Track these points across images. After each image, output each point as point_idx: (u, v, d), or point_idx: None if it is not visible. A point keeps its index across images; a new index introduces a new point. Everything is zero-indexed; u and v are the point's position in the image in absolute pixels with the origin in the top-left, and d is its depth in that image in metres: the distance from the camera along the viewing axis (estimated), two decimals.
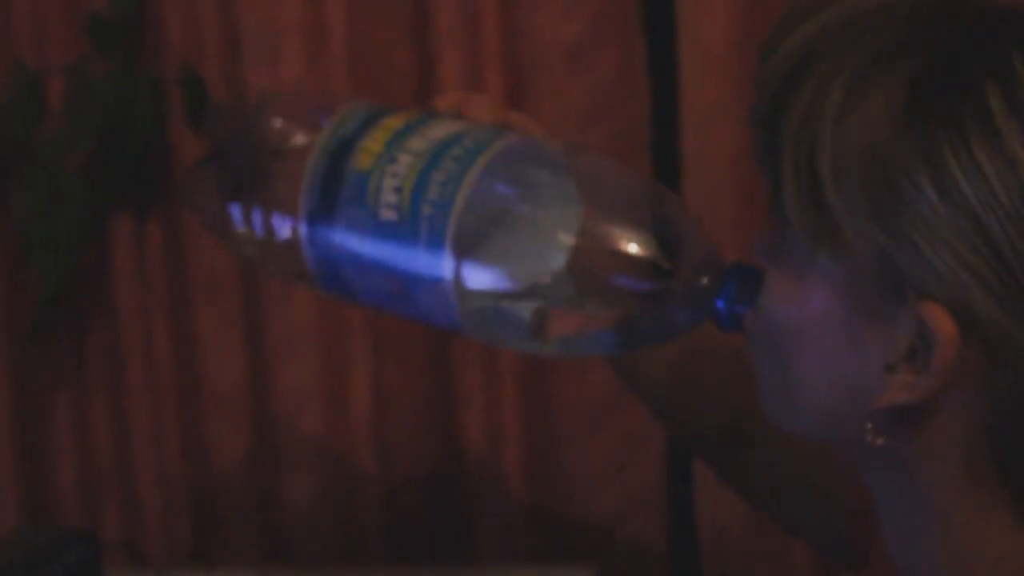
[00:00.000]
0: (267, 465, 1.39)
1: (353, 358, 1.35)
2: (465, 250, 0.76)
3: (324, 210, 0.81)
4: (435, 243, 0.77)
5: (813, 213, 0.61)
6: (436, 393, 1.37)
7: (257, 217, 0.84)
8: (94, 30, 1.30)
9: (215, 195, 0.86)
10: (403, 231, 0.78)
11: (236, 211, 0.85)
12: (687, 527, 1.35)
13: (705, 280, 0.73)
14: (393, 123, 0.81)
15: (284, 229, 0.83)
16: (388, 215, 0.78)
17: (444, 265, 0.76)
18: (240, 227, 0.85)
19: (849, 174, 0.59)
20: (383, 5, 1.30)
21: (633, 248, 0.73)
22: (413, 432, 1.38)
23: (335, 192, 0.80)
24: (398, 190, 0.78)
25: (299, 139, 0.82)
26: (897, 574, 0.67)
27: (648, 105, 1.30)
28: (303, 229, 0.81)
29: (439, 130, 0.79)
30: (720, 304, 0.73)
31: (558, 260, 0.73)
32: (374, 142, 0.79)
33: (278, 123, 0.84)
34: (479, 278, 0.76)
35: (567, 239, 0.73)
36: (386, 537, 1.38)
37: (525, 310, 0.74)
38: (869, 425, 0.61)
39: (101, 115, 1.30)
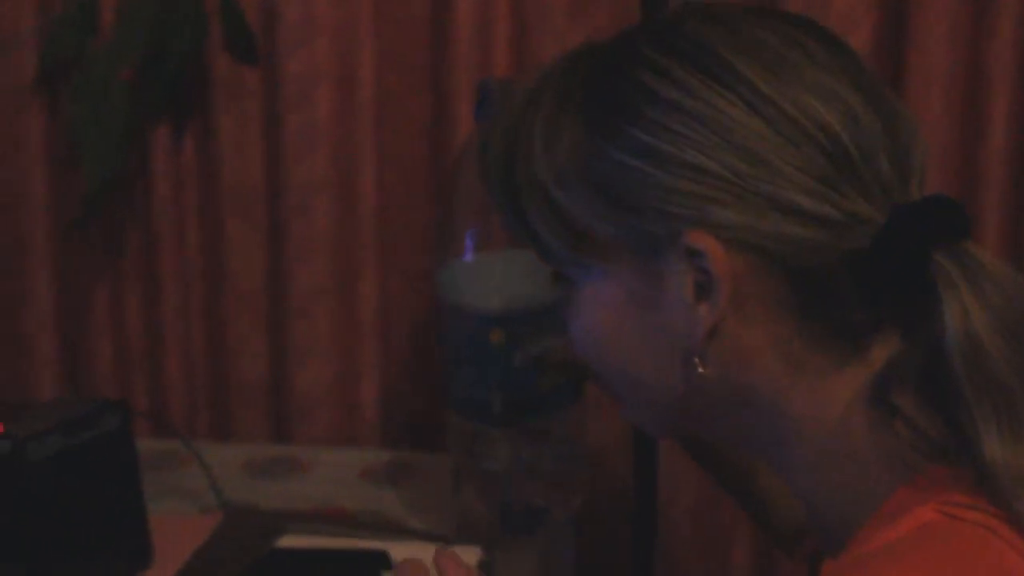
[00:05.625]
0: (279, 357, 1.42)
1: (363, 267, 1.39)
2: None
3: None
4: None
5: (562, 229, 0.67)
6: (428, 304, 1.41)
7: None
8: None
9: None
10: None
11: None
12: None
13: None
14: None
15: None
16: None
17: None
18: None
19: (573, 186, 0.66)
20: None
21: None
22: (409, 334, 1.42)
23: None
24: None
25: None
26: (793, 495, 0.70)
27: None
28: None
29: None
30: None
31: None
32: None
33: None
34: None
35: None
36: (377, 426, 1.43)
37: None
38: (696, 360, 0.66)
39: (147, 34, 1.32)
